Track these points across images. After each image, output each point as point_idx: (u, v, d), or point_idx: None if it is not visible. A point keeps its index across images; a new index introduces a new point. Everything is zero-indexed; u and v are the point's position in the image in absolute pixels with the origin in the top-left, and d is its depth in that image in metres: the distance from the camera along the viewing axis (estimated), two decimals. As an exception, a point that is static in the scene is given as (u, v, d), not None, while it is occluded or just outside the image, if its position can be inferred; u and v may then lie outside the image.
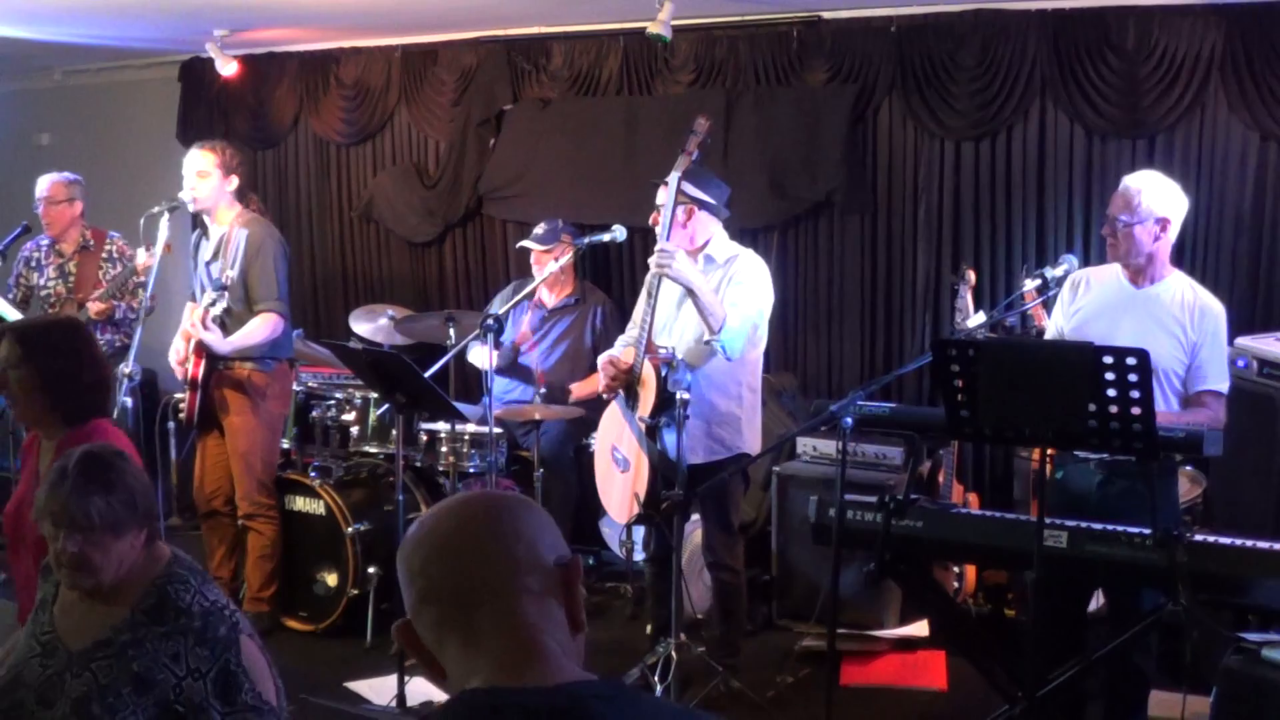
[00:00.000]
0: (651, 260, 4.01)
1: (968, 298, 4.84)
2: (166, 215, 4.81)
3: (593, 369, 4.97)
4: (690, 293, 3.99)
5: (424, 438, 5.14)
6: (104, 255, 5.78)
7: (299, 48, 6.86)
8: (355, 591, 4.81)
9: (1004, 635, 4.73)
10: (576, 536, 5.42)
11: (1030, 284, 3.83)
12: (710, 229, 4.20)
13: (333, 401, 5.25)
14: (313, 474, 5.05)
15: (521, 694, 1.35)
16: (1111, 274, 3.67)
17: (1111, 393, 2.96)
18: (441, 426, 5.05)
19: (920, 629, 4.73)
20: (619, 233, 4.41)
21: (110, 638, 2.23)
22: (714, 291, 4.07)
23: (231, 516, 4.90)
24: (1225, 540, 3.15)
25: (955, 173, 5.38)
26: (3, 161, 7.66)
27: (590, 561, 5.64)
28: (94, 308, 5.46)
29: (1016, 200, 5.28)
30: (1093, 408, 2.98)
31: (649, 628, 4.49)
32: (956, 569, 4.85)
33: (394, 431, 4.66)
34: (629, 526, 4.79)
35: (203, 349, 4.63)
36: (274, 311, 4.70)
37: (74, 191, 5.74)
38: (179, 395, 4.92)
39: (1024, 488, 5.00)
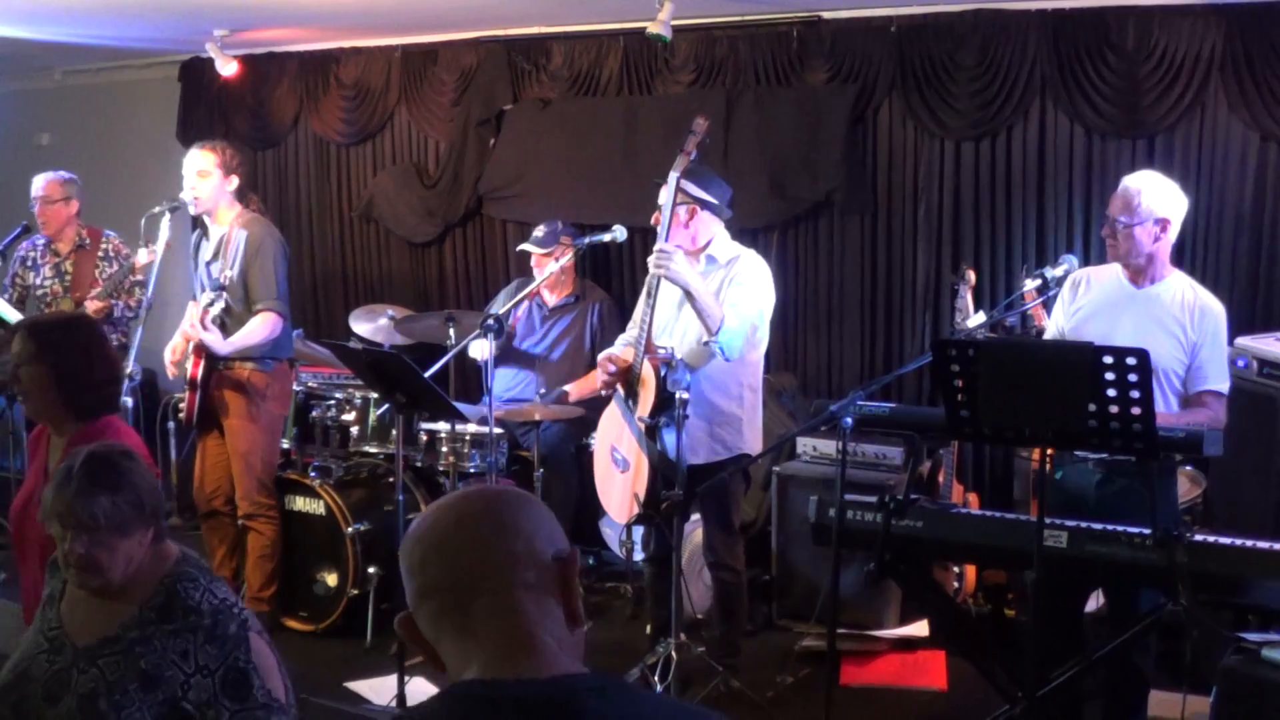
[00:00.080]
0: (650, 260, 4.01)
1: (968, 298, 4.84)
2: (167, 215, 4.82)
3: (591, 367, 4.97)
4: (688, 293, 3.99)
5: (424, 438, 5.14)
6: (100, 254, 5.78)
7: (299, 48, 6.86)
8: (355, 591, 4.81)
9: (1004, 635, 4.73)
10: (576, 536, 5.41)
11: (1030, 284, 3.83)
12: (713, 229, 4.20)
13: (333, 401, 5.25)
14: (313, 474, 5.05)
15: (514, 685, 1.37)
16: (1112, 274, 3.67)
17: (1111, 393, 2.96)
18: (441, 426, 5.05)
19: (920, 629, 4.73)
20: (619, 233, 4.41)
21: (118, 635, 2.24)
22: (715, 292, 4.08)
23: (232, 516, 4.90)
24: (1225, 540, 3.15)
25: (955, 173, 5.38)
26: (3, 161, 7.66)
27: (590, 561, 5.64)
28: (92, 306, 5.46)
29: (1016, 200, 5.28)
30: (1093, 408, 2.98)
31: (649, 628, 4.49)
32: (956, 569, 4.85)
33: (394, 431, 4.66)
34: (629, 526, 4.79)
35: (203, 349, 4.63)
36: (273, 311, 4.70)
37: (70, 190, 5.74)
38: (179, 395, 4.93)
39: (1024, 488, 5.00)
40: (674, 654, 4.05)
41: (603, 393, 4.29)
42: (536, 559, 1.45)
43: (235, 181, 4.76)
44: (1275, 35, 4.66)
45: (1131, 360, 2.93)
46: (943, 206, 5.42)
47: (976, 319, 4.16)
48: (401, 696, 3.97)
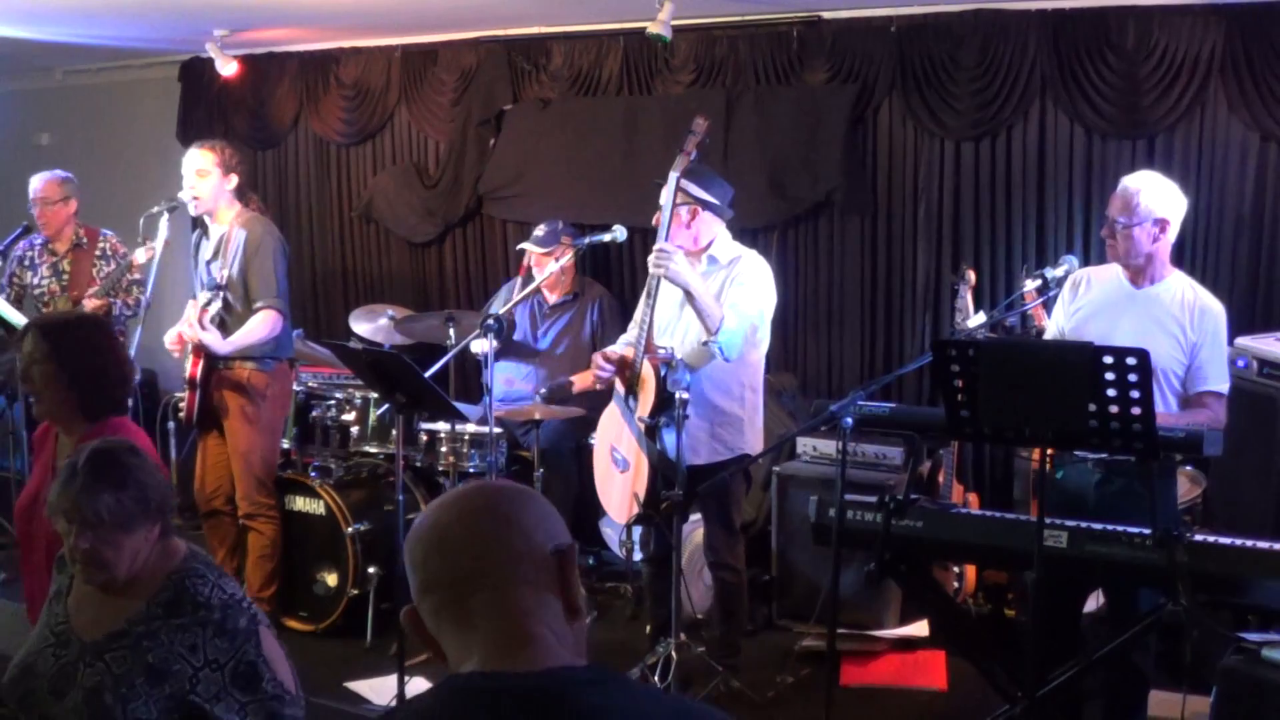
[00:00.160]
0: (650, 259, 4.01)
1: (968, 298, 4.84)
2: (166, 215, 4.82)
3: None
4: (687, 293, 3.99)
5: (424, 438, 5.14)
6: (98, 253, 5.79)
7: (299, 48, 6.86)
8: (355, 591, 4.81)
9: (1004, 635, 4.73)
10: (576, 536, 5.28)
11: (1030, 284, 3.83)
12: (714, 229, 4.20)
13: (333, 401, 5.25)
14: (313, 474, 5.05)
15: (510, 677, 1.40)
16: (1112, 274, 3.67)
17: (1111, 393, 2.96)
18: (441, 426, 5.05)
19: (920, 629, 4.73)
20: (619, 233, 4.41)
21: (125, 629, 2.26)
22: (715, 292, 4.07)
23: (232, 516, 4.89)
24: (1225, 540, 3.14)
25: (955, 173, 5.38)
26: (3, 161, 7.66)
27: (590, 561, 5.65)
28: (89, 304, 5.46)
29: (1016, 200, 5.28)
30: (1093, 408, 2.98)
31: (649, 628, 4.49)
32: (956, 569, 4.85)
33: (394, 431, 4.66)
34: (629, 526, 4.79)
35: (202, 348, 4.63)
36: (273, 309, 4.69)
37: (68, 190, 5.75)
38: (179, 395, 4.93)
39: (1024, 488, 5.00)
40: (674, 654, 4.06)
41: (597, 386, 4.29)
42: (535, 554, 1.47)
43: (235, 180, 4.75)
44: (1275, 35, 4.66)
45: (1131, 360, 2.93)
46: (943, 206, 5.42)
47: (976, 319, 4.16)
48: (401, 696, 3.97)
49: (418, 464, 5.18)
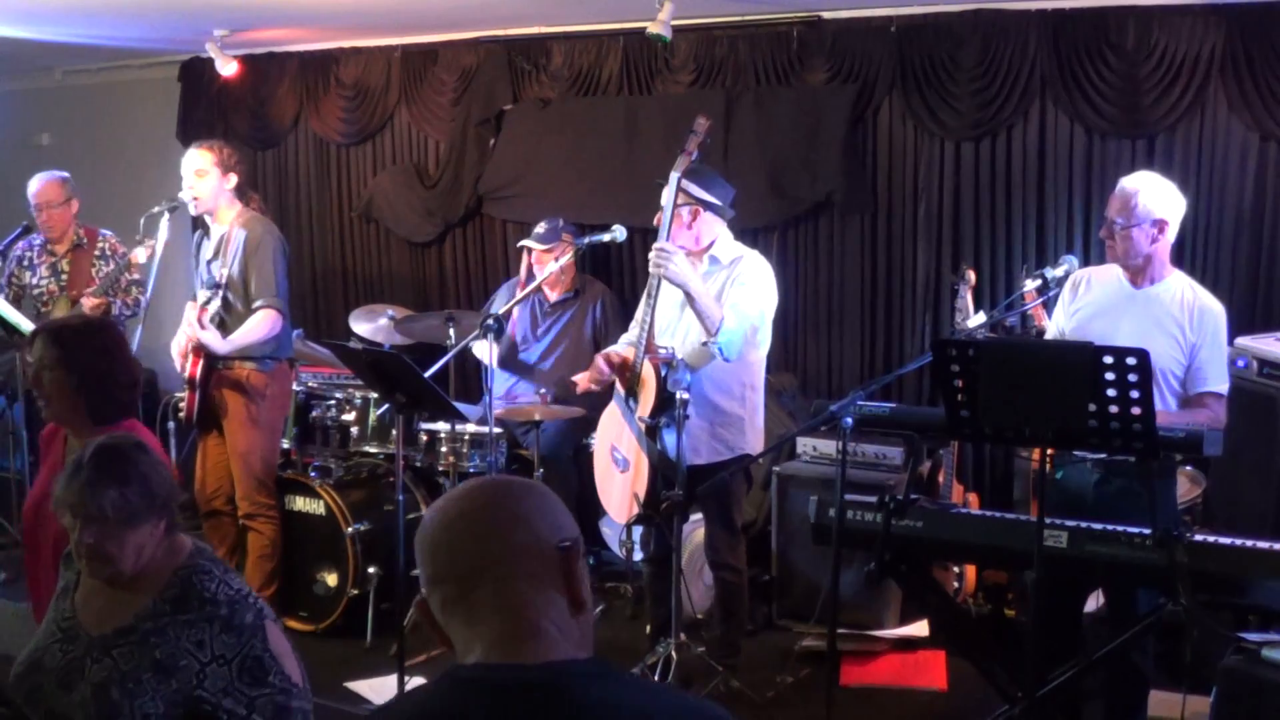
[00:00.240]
0: (650, 259, 4.01)
1: (968, 298, 4.84)
2: (167, 215, 4.82)
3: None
4: (686, 294, 3.98)
5: (424, 438, 5.14)
6: (97, 253, 5.78)
7: (299, 48, 6.86)
8: (355, 591, 4.81)
9: (1004, 635, 4.73)
10: None
11: (1030, 284, 3.83)
12: (716, 229, 4.19)
13: (333, 401, 5.25)
14: (313, 474, 5.05)
15: (511, 669, 1.44)
16: (1112, 274, 3.67)
17: (1111, 393, 2.96)
18: (441, 426, 5.05)
19: (920, 629, 4.73)
20: (619, 233, 4.41)
21: (132, 625, 2.27)
22: (716, 292, 4.07)
23: (233, 516, 4.89)
24: (1225, 540, 3.15)
25: (955, 173, 5.38)
26: (3, 161, 7.66)
27: (590, 561, 5.64)
28: (88, 303, 5.46)
29: (1016, 200, 5.28)
30: (1093, 408, 2.98)
31: (649, 628, 4.49)
32: (956, 569, 4.85)
33: (394, 431, 4.66)
34: (629, 526, 4.79)
35: (202, 348, 4.63)
36: (273, 308, 4.69)
37: (69, 191, 5.75)
38: (179, 395, 4.92)
39: (1024, 488, 5.00)
40: (674, 654, 4.06)
41: (594, 388, 4.29)
42: (539, 549, 1.49)
43: (234, 179, 4.75)
44: (1275, 35, 4.66)
45: (1131, 360, 2.93)
46: (943, 206, 5.42)
47: (976, 319, 4.16)
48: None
49: (418, 464, 5.18)
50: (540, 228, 5.51)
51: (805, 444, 5.09)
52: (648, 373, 4.02)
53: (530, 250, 5.53)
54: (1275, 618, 3.40)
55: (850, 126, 5.49)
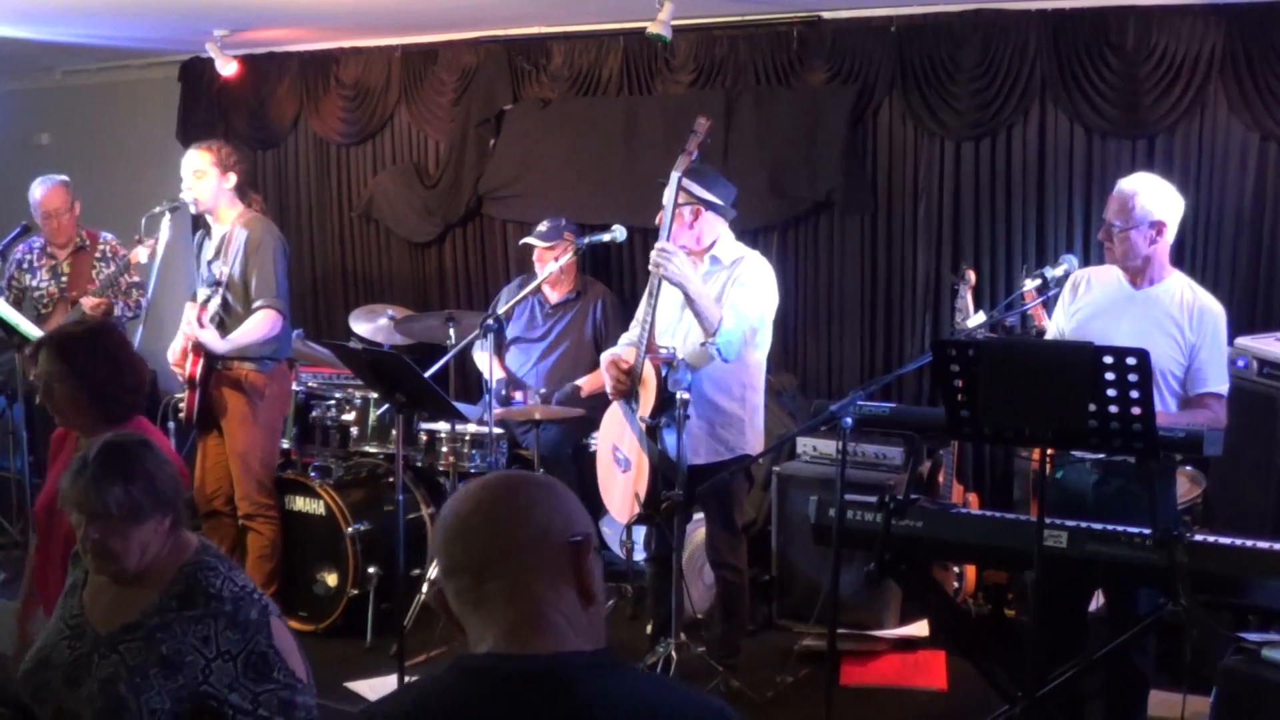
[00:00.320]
0: (650, 259, 4.01)
1: (968, 298, 4.84)
2: (168, 215, 4.82)
3: (596, 363, 4.97)
4: (685, 294, 3.98)
5: (424, 438, 5.14)
6: (97, 255, 5.79)
7: (299, 48, 6.86)
8: (355, 591, 4.81)
9: (1004, 635, 4.73)
10: None
11: (1030, 284, 3.83)
12: (717, 229, 4.19)
13: (333, 401, 5.25)
14: (313, 474, 5.05)
15: (519, 660, 1.47)
16: (1112, 274, 3.67)
17: (1111, 393, 2.96)
18: (441, 426, 5.05)
19: (920, 629, 4.73)
20: (619, 232, 4.41)
21: (139, 621, 2.29)
22: (716, 293, 4.07)
23: (233, 516, 4.90)
24: (1225, 540, 3.15)
25: (955, 173, 5.38)
26: (3, 161, 7.67)
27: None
28: (88, 303, 5.46)
29: (1016, 200, 5.28)
30: (1093, 408, 2.99)
31: (649, 627, 4.50)
32: (956, 569, 4.85)
33: (394, 431, 4.66)
34: (629, 526, 4.79)
35: (201, 347, 4.63)
36: (272, 308, 4.69)
37: (72, 195, 5.76)
38: (179, 395, 4.93)
39: (1024, 488, 5.00)
40: (674, 654, 4.06)
41: (609, 390, 4.29)
42: (549, 543, 1.53)
43: (233, 179, 4.75)
44: (1275, 35, 4.66)
45: (1131, 360, 2.93)
46: (943, 206, 5.42)
47: (976, 319, 4.15)
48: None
49: (418, 464, 5.18)
50: (543, 225, 5.52)
51: (805, 444, 5.09)
52: (648, 373, 4.02)
53: (533, 247, 5.53)
54: (1275, 618, 3.40)
55: (850, 126, 5.49)
